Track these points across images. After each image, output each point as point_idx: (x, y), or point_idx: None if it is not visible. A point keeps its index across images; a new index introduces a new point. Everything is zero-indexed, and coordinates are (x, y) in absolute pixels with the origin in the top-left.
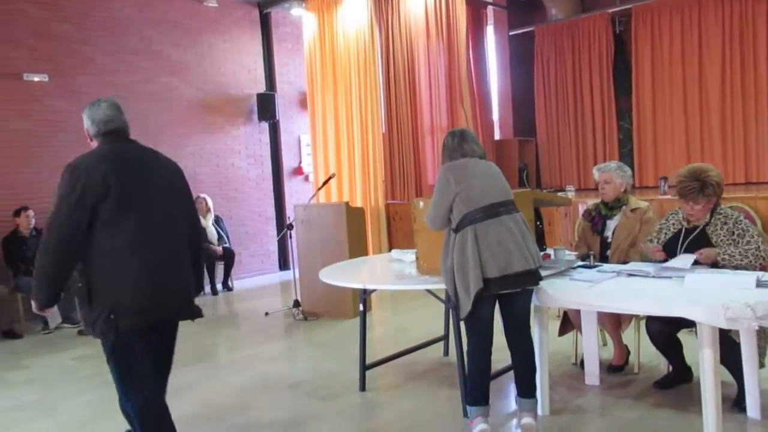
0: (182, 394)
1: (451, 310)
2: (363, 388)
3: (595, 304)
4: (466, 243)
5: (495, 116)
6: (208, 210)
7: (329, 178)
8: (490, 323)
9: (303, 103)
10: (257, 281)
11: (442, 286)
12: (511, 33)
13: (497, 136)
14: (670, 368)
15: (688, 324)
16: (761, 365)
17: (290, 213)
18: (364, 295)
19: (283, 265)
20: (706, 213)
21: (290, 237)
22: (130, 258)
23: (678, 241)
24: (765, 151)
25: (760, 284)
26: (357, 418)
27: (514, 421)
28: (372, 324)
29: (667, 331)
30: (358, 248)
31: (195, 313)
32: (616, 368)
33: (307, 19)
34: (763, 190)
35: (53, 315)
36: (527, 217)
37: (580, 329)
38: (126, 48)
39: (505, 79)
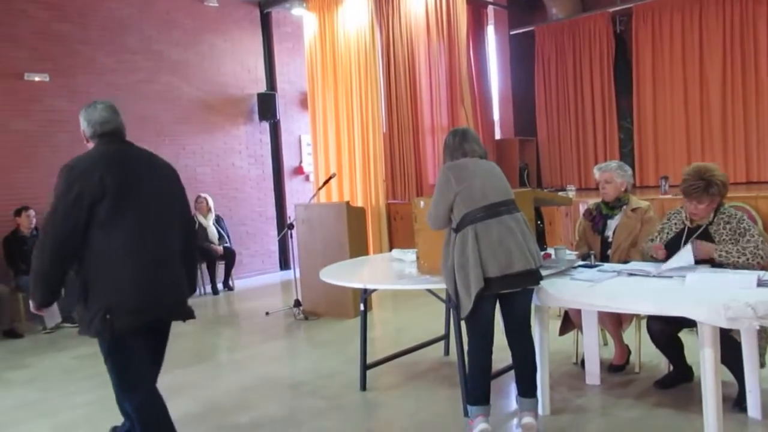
0: (183, 394)
1: (451, 310)
2: (363, 387)
3: (595, 303)
4: (467, 242)
5: (496, 116)
6: (209, 209)
7: (330, 178)
8: (491, 323)
9: (304, 102)
10: (258, 281)
11: (443, 285)
12: (511, 32)
13: (498, 136)
14: (671, 368)
15: (689, 323)
16: (762, 365)
17: (291, 213)
18: (365, 295)
19: (284, 264)
20: (710, 212)
21: (291, 237)
22: (126, 258)
23: (681, 240)
24: (766, 150)
25: (761, 284)
26: (357, 418)
27: (515, 421)
28: (372, 324)
29: (668, 331)
30: (358, 248)
31: (188, 314)
32: (617, 368)
33: (307, 18)
34: (764, 189)
35: (52, 315)
36: (528, 217)
37: (580, 329)
38: (127, 48)
39: (506, 78)
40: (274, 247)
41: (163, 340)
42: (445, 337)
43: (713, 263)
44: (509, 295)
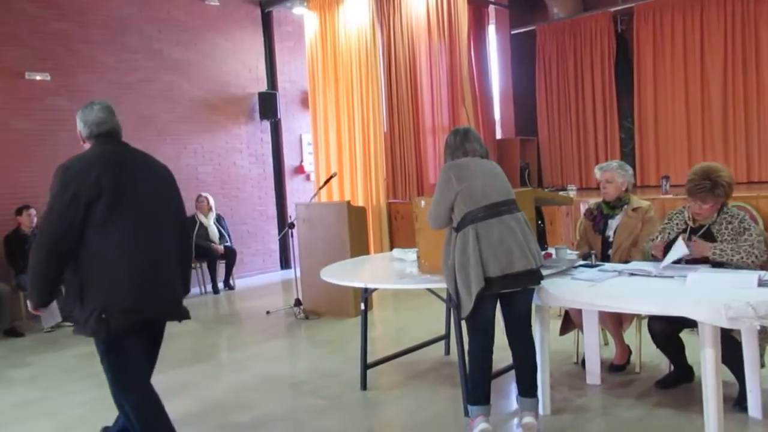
0: (183, 393)
1: (452, 310)
2: (364, 387)
3: (596, 303)
4: (468, 242)
5: (497, 115)
6: (210, 209)
7: (331, 177)
8: (492, 322)
9: (305, 102)
10: (258, 280)
11: (444, 285)
12: (512, 32)
13: (499, 135)
14: (672, 368)
15: (691, 324)
16: (762, 365)
17: (292, 212)
18: (366, 294)
19: (285, 264)
20: (713, 213)
21: (291, 236)
22: (121, 258)
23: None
24: (766, 150)
25: (761, 283)
26: (358, 417)
27: (516, 421)
28: (373, 323)
29: (669, 331)
30: (359, 247)
31: (182, 314)
32: (618, 368)
33: (308, 18)
34: (765, 189)
35: (51, 315)
36: (529, 216)
37: (581, 328)
38: (127, 47)
39: (507, 78)
40: (275, 247)
41: (158, 340)
42: (446, 336)
43: (711, 263)
44: (510, 294)
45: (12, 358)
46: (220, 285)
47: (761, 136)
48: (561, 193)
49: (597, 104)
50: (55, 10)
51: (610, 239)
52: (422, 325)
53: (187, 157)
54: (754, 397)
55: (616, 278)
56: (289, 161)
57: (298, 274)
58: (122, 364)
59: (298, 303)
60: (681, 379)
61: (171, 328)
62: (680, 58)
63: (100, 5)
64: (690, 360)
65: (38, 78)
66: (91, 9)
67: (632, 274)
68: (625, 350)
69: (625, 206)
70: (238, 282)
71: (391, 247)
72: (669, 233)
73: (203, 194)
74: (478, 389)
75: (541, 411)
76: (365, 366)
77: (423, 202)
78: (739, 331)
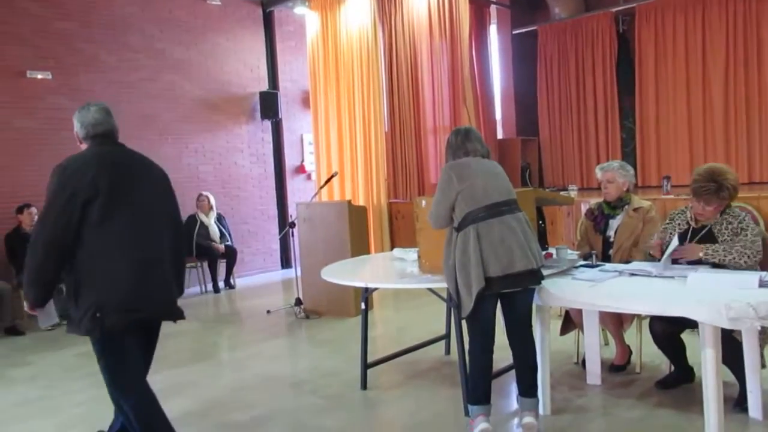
0: (184, 392)
1: (452, 309)
2: (364, 386)
3: (597, 303)
4: (469, 242)
5: (498, 115)
6: (211, 208)
7: (331, 177)
8: (492, 322)
9: (306, 101)
10: (259, 279)
11: (444, 284)
12: (514, 32)
13: (500, 135)
14: (672, 368)
15: (692, 324)
16: (763, 365)
17: (292, 211)
18: (366, 294)
19: (285, 263)
20: (716, 214)
21: (292, 235)
22: (117, 257)
23: (685, 240)
24: None
25: (762, 284)
26: (358, 417)
27: (516, 421)
28: (374, 322)
29: (670, 331)
30: (360, 247)
31: (177, 315)
32: (618, 368)
33: (310, 17)
34: (766, 189)
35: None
36: (530, 216)
37: (582, 328)
38: (129, 46)
39: (508, 78)
40: (276, 246)
41: (153, 340)
42: (446, 336)
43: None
44: (510, 294)
45: (12, 356)
46: (221, 284)
47: (762, 137)
48: (562, 193)
49: (598, 104)
50: (58, 9)
51: (611, 239)
52: (423, 325)
53: (189, 157)
54: (754, 397)
55: (616, 278)
56: (290, 161)
57: (299, 273)
58: (120, 364)
59: (298, 302)
60: (681, 379)
61: (172, 327)
62: (682, 58)
63: (102, 5)
64: (691, 360)
65: (40, 77)
66: (93, 8)
67: (633, 275)
68: (626, 350)
69: (626, 206)
70: (239, 281)
71: (392, 247)
72: (671, 234)
73: (204, 193)
74: (478, 389)
75: (541, 411)
76: (365, 365)
77: (424, 202)
78: (739, 332)
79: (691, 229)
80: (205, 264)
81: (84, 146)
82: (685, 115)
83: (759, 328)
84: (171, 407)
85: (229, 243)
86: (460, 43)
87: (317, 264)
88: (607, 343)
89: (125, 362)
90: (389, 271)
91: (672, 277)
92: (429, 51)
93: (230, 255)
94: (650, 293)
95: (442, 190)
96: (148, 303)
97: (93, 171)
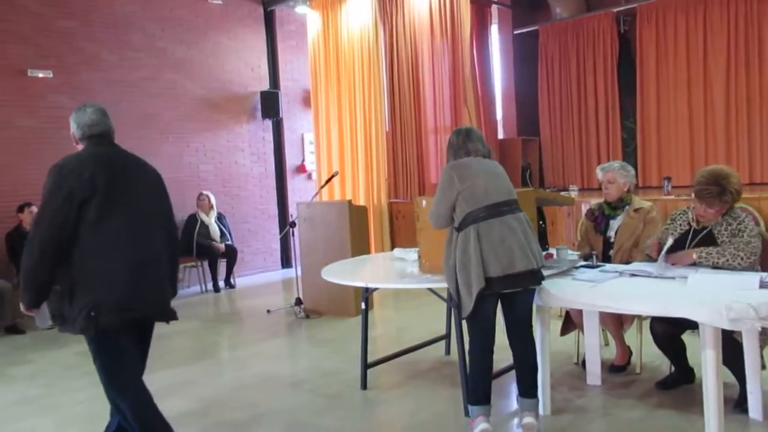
0: (183, 391)
1: (453, 309)
2: (364, 386)
3: (597, 304)
4: (469, 242)
5: (498, 115)
6: (211, 207)
7: (332, 176)
8: (492, 322)
9: (307, 101)
10: (259, 279)
11: (444, 284)
12: (515, 32)
13: (501, 135)
14: (672, 369)
15: (693, 325)
16: (763, 366)
17: (293, 211)
18: (366, 294)
19: (286, 262)
20: (718, 216)
21: (293, 235)
22: (113, 257)
23: (686, 241)
24: None
25: (763, 285)
26: (358, 417)
27: (516, 421)
28: (374, 322)
29: (670, 332)
30: (360, 246)
31: (170, 316)
32: (618, 368)
33: (311, 17)
34: (767, 190)
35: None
36: (530, 217)
37: (582, 329)
38: (130, 45)
39: (509, 78)
40: (276, 245)
41: (147, 340)
42: (446, 336)
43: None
44: (511, 294)
45: (13, 355)
46: (221, 283)
47: (764, 138)
48: (562, 193)
49: (599, 104)
50: (59, 8)
51: (612, 240)
52: (423, 325)
53: (189, 156)
54: (754, 398)
55: (617, 279)
56: (291, 160)
57: (299, 273)
58: (116, 363)
59: (298, 302)
60: (682, 380)
61: (172, 326)
62: (683, 59)
63: (104, 3)
64: (691, 361)
65: (41, 75)
66: (95, 7)
67: (633, 275)
68: (626, 351)
69: (627, 207)
70: (239, 280)
71: (392, 247)
72: (672, 234)
73: (204, 192)
74: (478, 389)
75: (541, 411)
76: (365, 365)
77: (424, 202)
78: (740, 333)
79: (692, 230)
80: (206, 263)
81: (80, 147)
82: (686, 116)
83: (759, 329)
84: (171, 406)
85: (229, 242)
86: (461, 43)
87: (317, 264)
88: (607, 344)
89: (122, 361)
90: (389, 271)
91: (672, 277)
92: (430, 51)
93: (230, 254)
94: (651, 294)
95: (442, 190)
96: (141, 303)
97: (90, 170)
